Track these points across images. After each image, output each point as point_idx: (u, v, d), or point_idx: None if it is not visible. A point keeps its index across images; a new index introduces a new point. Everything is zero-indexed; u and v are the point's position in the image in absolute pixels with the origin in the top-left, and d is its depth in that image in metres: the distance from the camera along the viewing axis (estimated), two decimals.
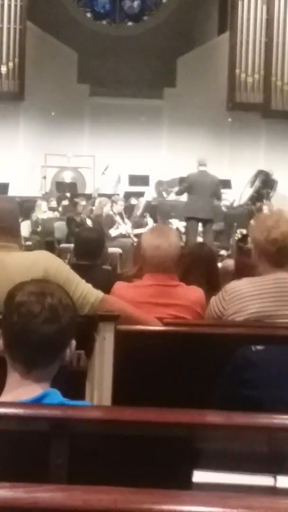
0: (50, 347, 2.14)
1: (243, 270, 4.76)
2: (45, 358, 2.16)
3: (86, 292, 3.23)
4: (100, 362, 3.07)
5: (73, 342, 2.23)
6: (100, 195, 15.71)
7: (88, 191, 17.17)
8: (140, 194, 15.68)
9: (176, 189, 15.01)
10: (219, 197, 13.22)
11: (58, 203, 15.23)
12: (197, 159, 12.92)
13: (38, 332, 2.12)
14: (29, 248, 9.69)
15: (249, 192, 16.50)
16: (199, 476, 1.90)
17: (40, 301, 2.14)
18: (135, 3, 20.96)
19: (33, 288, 2.18)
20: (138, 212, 14.46)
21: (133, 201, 15.13)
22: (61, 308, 2.15)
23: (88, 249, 5.44)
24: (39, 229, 14.00)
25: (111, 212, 13.73)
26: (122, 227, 13.51)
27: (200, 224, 12.74)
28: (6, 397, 2.12)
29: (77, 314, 2.28)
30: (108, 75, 18.72)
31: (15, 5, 17.58)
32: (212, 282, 4.50)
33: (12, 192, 15.26)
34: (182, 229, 13.16)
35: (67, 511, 1.38)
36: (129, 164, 17.12)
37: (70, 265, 3.82)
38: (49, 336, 2.12)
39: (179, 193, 13.94)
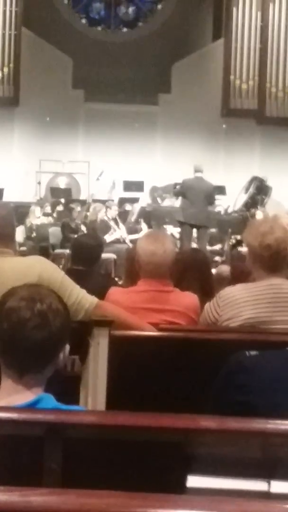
0: (41, 353, 2.14)
1: (237, 276, 4.76)
2: (37, 363, 2.15)
3: (80, 297, 3.23)
4: (94, 367, 3.07)
5: (67, 347, 2.23)
6: (95, 200, 15.70)
7: (82, 196, 17.18)
8: (134, 200, 15.67)
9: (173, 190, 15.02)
10: (211, 203, 13.24)
11: (53, 208, 15.21)
12: (193, 165, 12.94)
13: (29, 339, 2.11)
14: (23, 254, 9.68)
15: (243, 198, 16.49)
16: (193, 481, 1.90)
17: (30, 307, 2.13)
18: (130, 9, 21.01)
19: (24, 294, 2.17)
20: (133, 218, 14.44)
21: (128, 207, 15.12)
22: (51, 314, 2.14)
23: (85, 255, 5.43)
24: (33, 234, 13.98)
25: (105, 218, 13.72)
26: (117, 233, 13.50)
27: (194, 230, 12.76)
28: (0, 402, 2.13)
29: (69, 319, 2.27)
30: (103, 81, 18.74)
31: (10, 11, 17.63)
32: (206, 288, 4.50)
33: (6, 197, 15.25)
34: (177, 235, 13.17)
35: None
36: (124, 170, 17.14)
37: (66, 271, 3.81)
38: (40, 342, 2.12)
39: (176, 194, 13.94)
